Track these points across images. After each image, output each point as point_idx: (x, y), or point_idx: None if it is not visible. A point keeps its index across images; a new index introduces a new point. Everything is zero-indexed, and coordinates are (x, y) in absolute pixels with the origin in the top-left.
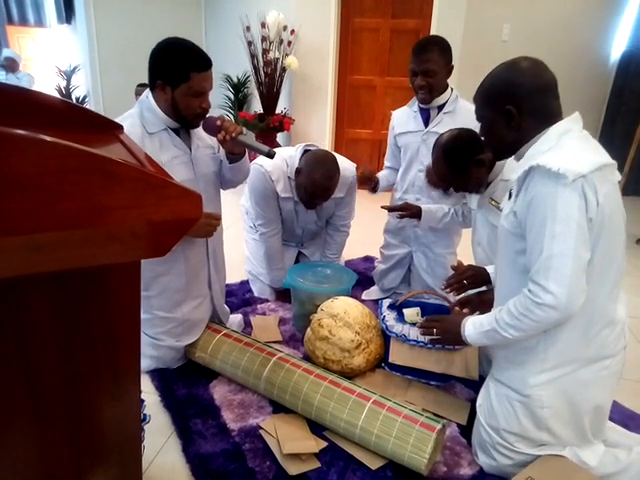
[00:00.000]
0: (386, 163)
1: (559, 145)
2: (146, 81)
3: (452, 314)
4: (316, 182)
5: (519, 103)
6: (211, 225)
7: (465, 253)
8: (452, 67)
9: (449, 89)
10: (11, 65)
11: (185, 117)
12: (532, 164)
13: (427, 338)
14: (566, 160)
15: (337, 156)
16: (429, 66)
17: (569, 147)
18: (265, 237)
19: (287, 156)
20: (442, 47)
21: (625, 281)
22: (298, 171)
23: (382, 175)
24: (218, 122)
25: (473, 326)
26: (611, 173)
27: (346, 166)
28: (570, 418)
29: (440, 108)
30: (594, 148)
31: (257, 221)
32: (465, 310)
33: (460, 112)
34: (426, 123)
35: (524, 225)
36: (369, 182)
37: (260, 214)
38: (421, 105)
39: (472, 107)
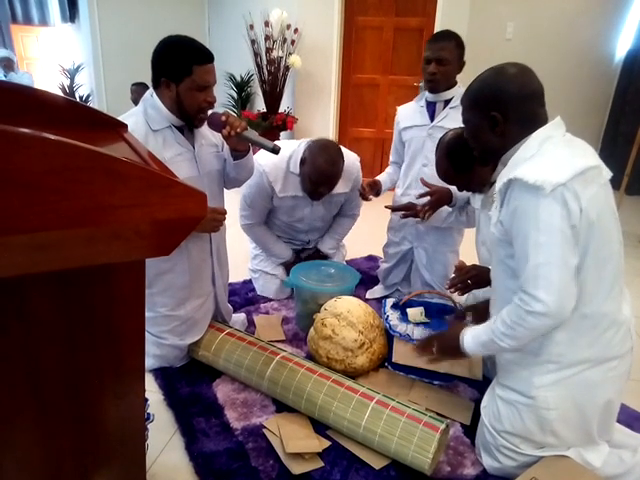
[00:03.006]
0: (391, 158)
1: (540, 152)
2: (143, 80)
3: (449, 326)
4: (320, 168)
5: (504, 110)
6: (217, 220)
7: (467, 253)
8: (464, 63)
9: (458, 85)
10: (9, 64)
11: (190, 113)
12: (510, 177)
13: (428, 359)
14: (544, 170)
15: (342, 149)
16: (443, 54)
17: (549, 155)
18: (248, 226)
19: (289, 153)
20: (458, 41)
21: (627, 281)
22: (302, 161)
23: (386, 174)
24: (223, 117)
25: (472, 337)
26: (597, 175)
27: (351, 159)
28: (577, 420)
29: (447, 103)
30: (578, 151)
31: (242, 211)
32: (468, 317)
33: None
34: (432, 117)
35: (510, 233)
36: (373, 191)
37: (246, 207)
38: (428, 97)
39: None
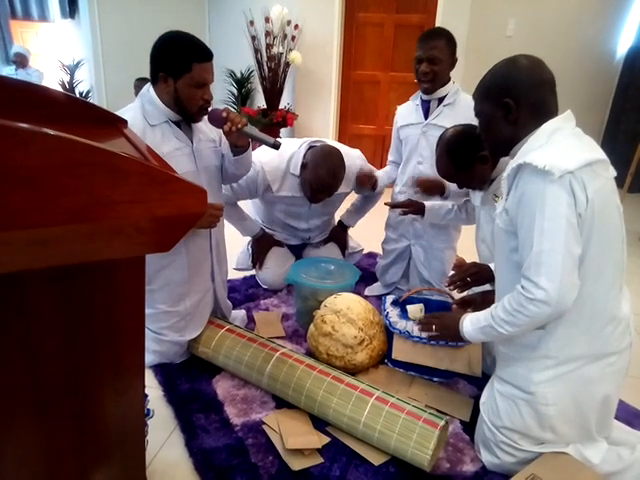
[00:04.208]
0: (389, 158)
1: (549, 142)
2: (147, 76)
3: (452, 311)
4: (321, 178)
5: (517, 96)
6: (213, 216)
7: (465, 249)
8: (456, 59)
9: (451, 82)
10: (22, 61)
11: (187, 109)
12: (520, 162)
13: (426, 334)
14: (553, 157)
15: (344, 148)
16: (435, 53)
17: (559, 144)
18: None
19: (290, 153)
20: (449, 38)
21: (628, 279)
22: (304, 166)
23: (384, 172)
24: (224, 114)
25: (471, 322)
26: (604, 169)
27: (353, 160)
28: (575, 416)
29: (441, 100)
30: (586, 145)
31: (228, 190)
32: (468, 310)
33: (460, 105)
34: (426, 115)
35: (515, 222)
36: (368, 183)
37: (229, 188)
38: (423, 96)
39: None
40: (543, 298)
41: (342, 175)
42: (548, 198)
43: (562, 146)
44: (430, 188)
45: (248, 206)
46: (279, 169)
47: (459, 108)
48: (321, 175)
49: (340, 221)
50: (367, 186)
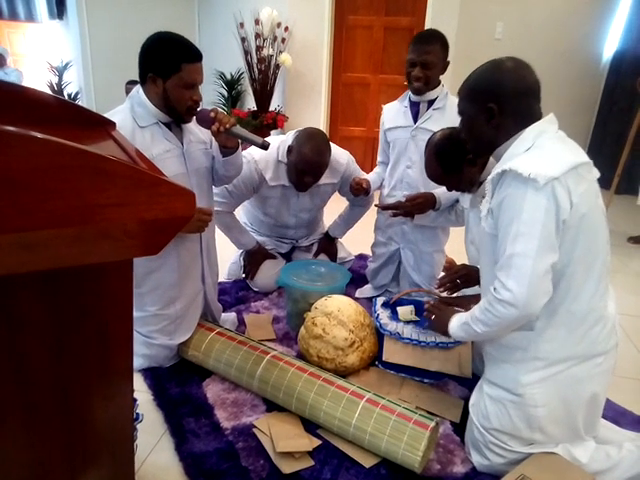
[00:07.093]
0: (378, 158)
1: (535, 146)
2: (137, 78)
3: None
4: (306, 157)
5: (501, 103)
6: (202, 220)
7: (455, 251)
8: (448, 63)
9: (441, 85)
10: None
11: (177, 110)
12: (505, 168)
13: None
14: (538, 164)
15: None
16: (429, 58)
17: (544, 148)
18: (218, 213)
19: (278, 143)
20: (443, 42)
21: (616, 279)
22: (290, 150)
23: (374, 174)
24: (212, 114)
25: (457, 319)
26: (588, 171)
27: (339, 153)
28: (564, 416)
29: (430, 104)
30: (570, 148)
31: (218, 198)
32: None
33: (450, 108)
34: (415, 118)
35: (497, 225)
36: (362, 189)
37: (226, 195)
38: (412, 98)
39: None
40: (509, 300)
41: (328, 156)
42: (527, 203)
43: (547, 151)
44: (421, 204)
45: (237, 209)
46: (270, 157)
47: (448, 112)
48: (306, 153)
49: (327, 232)
50: (362, 192)
